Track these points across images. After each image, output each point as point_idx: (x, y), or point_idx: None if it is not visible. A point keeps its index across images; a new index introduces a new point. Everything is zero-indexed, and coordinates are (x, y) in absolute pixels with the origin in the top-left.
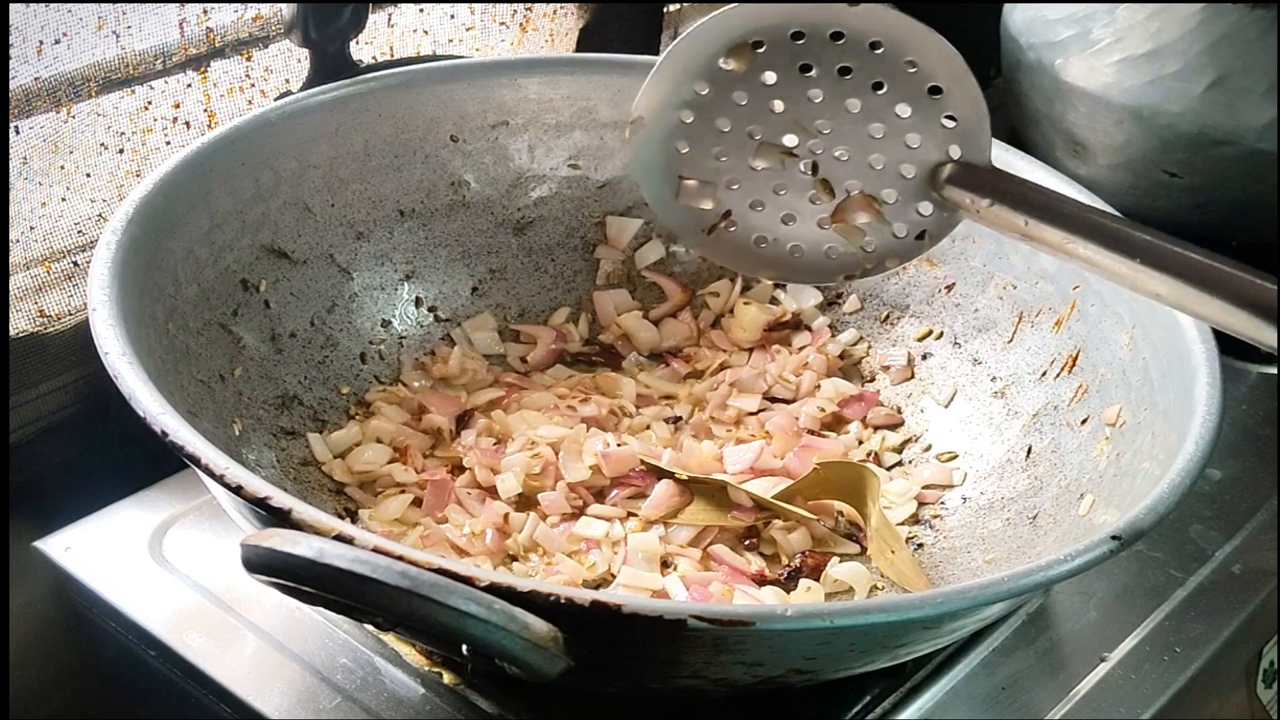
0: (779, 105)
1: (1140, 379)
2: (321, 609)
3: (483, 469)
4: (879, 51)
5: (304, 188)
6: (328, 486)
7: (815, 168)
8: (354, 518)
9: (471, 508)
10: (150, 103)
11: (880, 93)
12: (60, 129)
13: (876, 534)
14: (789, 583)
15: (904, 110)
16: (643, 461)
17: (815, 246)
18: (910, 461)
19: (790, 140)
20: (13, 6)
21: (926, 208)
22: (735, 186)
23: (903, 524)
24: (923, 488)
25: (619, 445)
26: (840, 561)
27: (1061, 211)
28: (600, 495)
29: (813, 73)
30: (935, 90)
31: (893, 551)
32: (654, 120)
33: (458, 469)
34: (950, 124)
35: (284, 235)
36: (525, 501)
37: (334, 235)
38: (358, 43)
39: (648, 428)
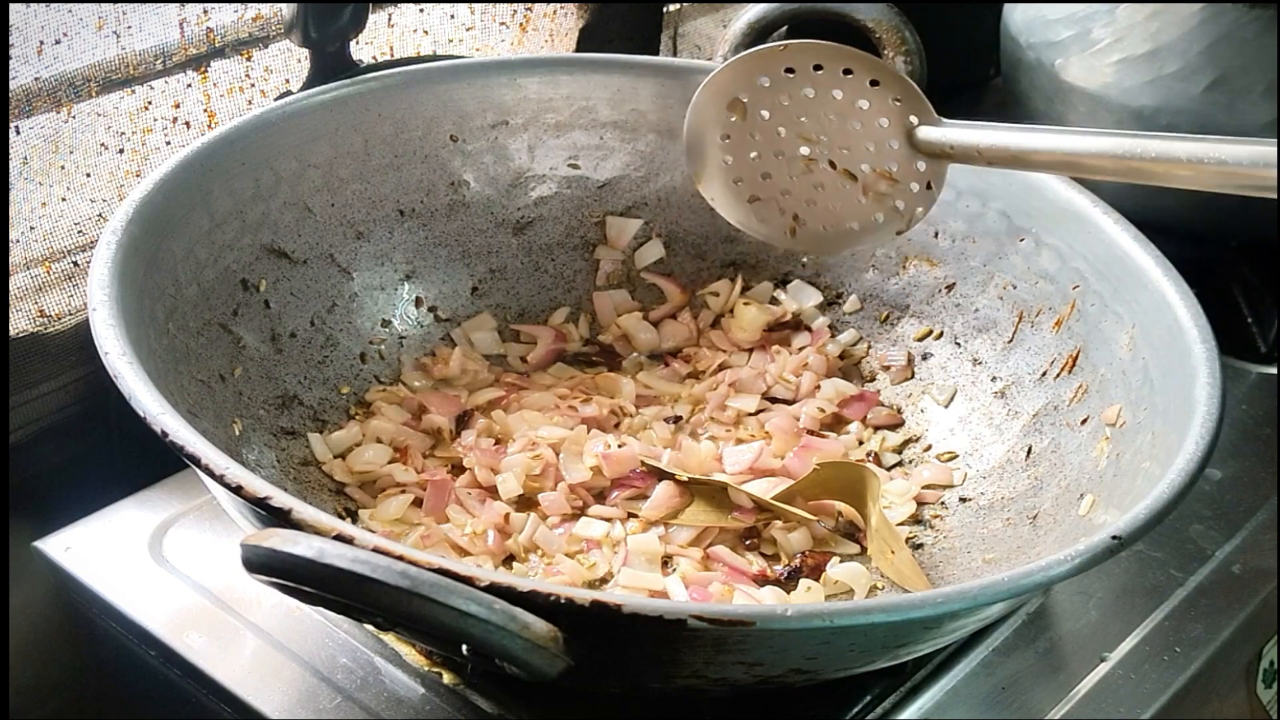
0: (782, 130)
1: (1140, 379)
2: (321, 609)
3: (483, 469)
4: (821, 72)
5: (304, 188)
6: (328, 486)
7: (833, 164)
8: (354, 518)
9: (472, 508)
10: (150, 103)
11: (841, 99)
12: (60, 129)
13: (876, 534)
14: (789, 583)
15: (863, 104)
16: (643, 463)
17: (865, 218)
18: (910, 461)
19: (805, 150)
20: (13, 6)
21: (921, 164)
22: (788, 194)
23: (903, 524)
24: (923, 488)
25: (619, 446)
26: (840, 562)
27: (1006, 134)
28: (601, 496)
29: (788, 102)
30: (874, 83)
31: (893, 552)
32: (709, 172)
33: (458, 469)
34: (897, 102)
35: (284, 235)
36: (525, 501)
37: (334, 235)
38: (358, 43)
39: (648, 428)
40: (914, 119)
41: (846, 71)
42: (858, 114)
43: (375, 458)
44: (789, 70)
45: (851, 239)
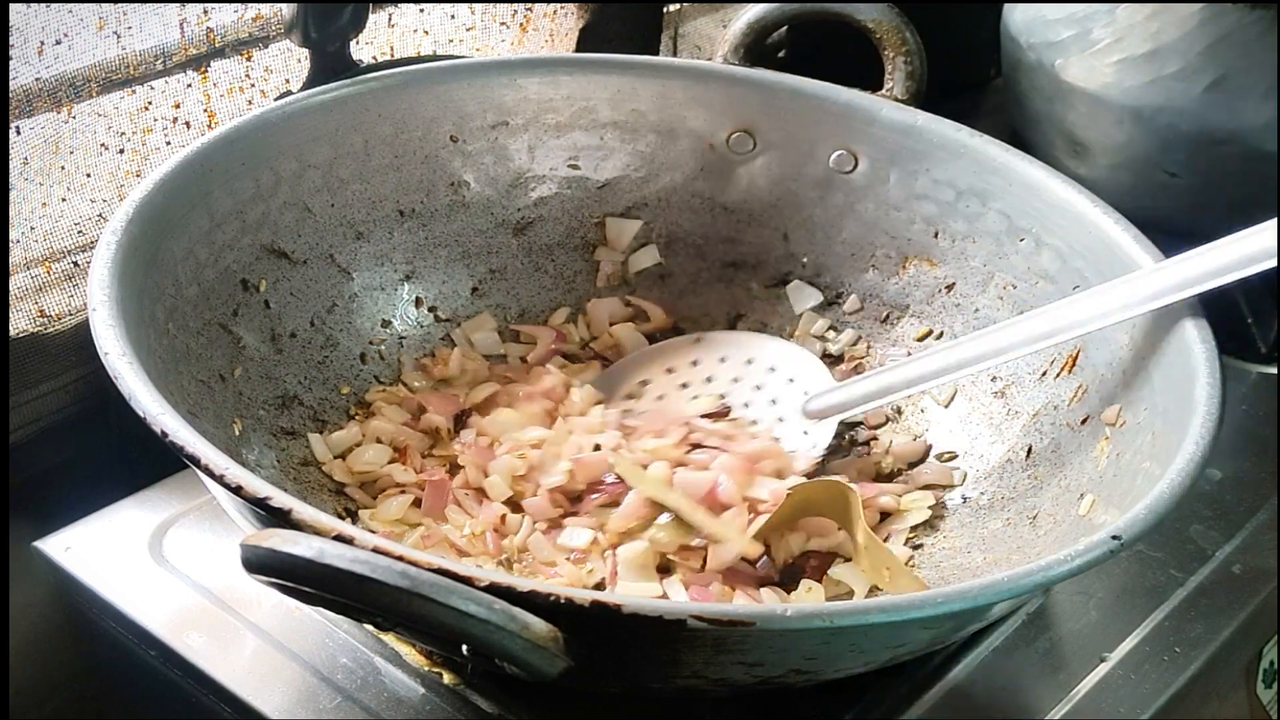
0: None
1: (1140, 379)
2: (321, 609)
3: (474, 469)
4: (725, 362)
5: (304, 188)
6: (328, 487)
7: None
8: (354, 518)
9: (470, 508)
10: (150, 103)
11: (738, 383)
12: (61, 129)
13: (866, 553)
14: (789, 583)
15: (761, 382)
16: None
17: None
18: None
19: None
20: (13, 7)
21: (807, 428)
22: None
23: (915, 529)
24: (922, 488)
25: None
26: (841, 562)
27: (884, 378)
28: (579, 499)
29: (690, 389)
30: (772, 369)
31: (888, 569)
32: None
33: (457, 468)
34: (791, 382)
35: (284, 235)
36: (519, 503)
37: (334, 235)
38: (358, 43)
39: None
40: (806, 394)
41: (749, 361)
42: (753, 390)
43: (375, 458)
44: (694, 363)
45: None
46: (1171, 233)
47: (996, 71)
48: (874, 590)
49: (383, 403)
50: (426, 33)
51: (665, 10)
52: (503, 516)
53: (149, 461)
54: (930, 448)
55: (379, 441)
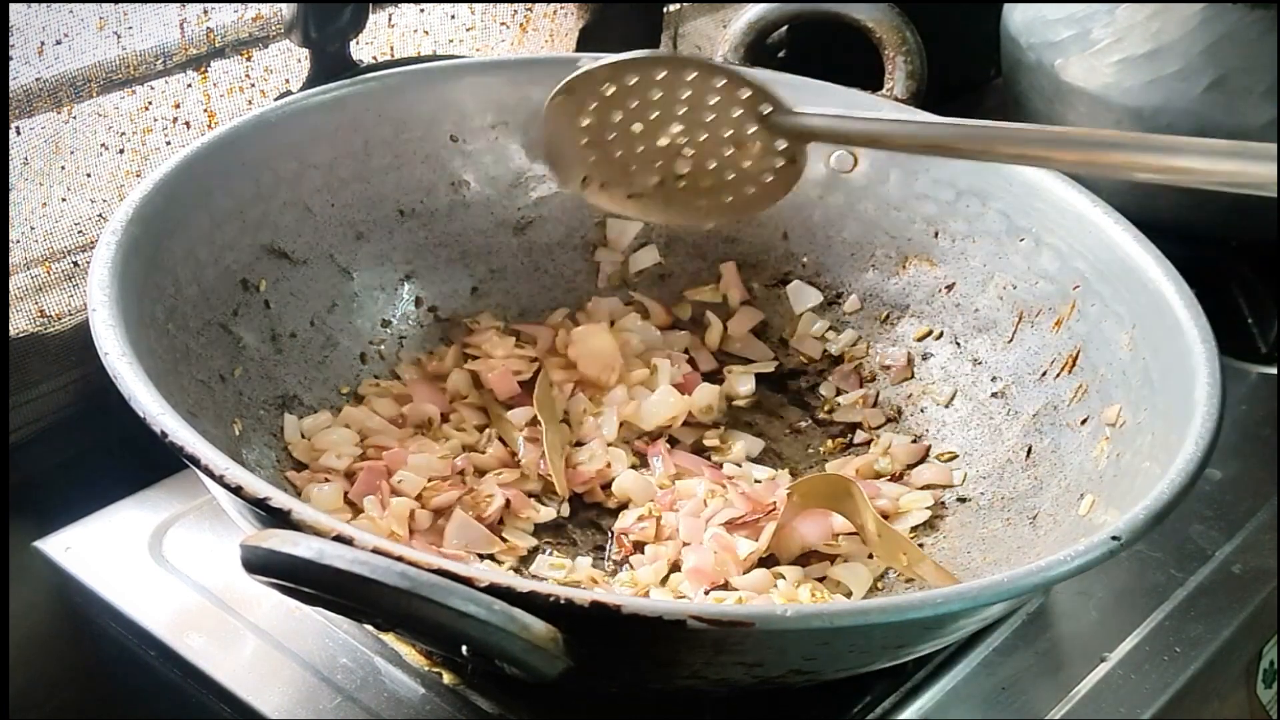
0: (637, 127)
1: (1140, 379)
2: (321, 609)
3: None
4: (665, 75)
5: (304, 188)
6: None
7: (693, 151)
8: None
9: (386, 500)
10: (150, 103)
11: (689, 96)
12: (61, 129)
13: (881, 540)
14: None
15: (712, 100)
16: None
17: (737, 192)
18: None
19: (664, 142)
20: (13, 7)
21: (781, 143)
22: (662, 185)
23: (915, 529)
24: (922, 488)
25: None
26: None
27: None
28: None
29: (637, 103)
30: (720, 79)
31: (905, 553)
32: (575, 176)
33: None
34: (747, 93)
35: (284, 235)
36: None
37: (334, 235)
38: (358, 43)
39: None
40: (766, 108)
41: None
42: (708, 108)
43: (340, 440)
44: (634, 79)
45: (727, 210)
46: (1171, 233)
47: (996, 71)
48: (874, 590)
49: (374, 395)
50: (426, 33)
51: (665, 10)
52: (412, 512)
53: (149, 461)
54: (930, 448)
55: (347, 427)
